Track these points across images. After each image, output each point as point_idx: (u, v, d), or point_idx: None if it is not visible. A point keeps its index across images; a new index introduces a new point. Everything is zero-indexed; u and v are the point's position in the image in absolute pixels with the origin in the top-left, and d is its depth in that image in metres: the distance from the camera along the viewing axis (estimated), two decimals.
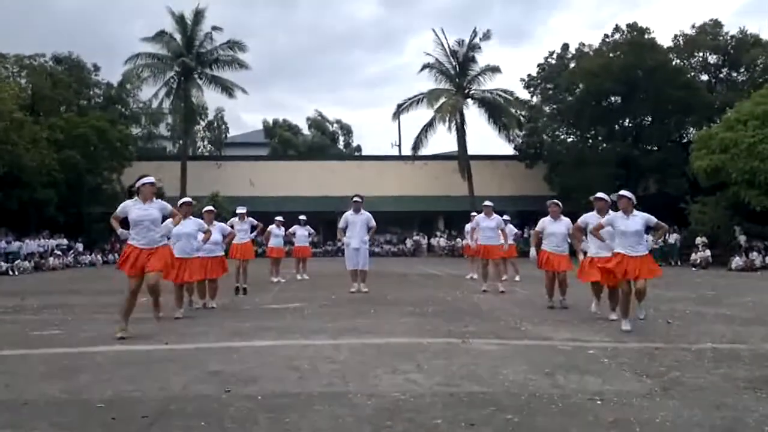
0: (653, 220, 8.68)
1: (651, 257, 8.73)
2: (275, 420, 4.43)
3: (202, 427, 4.27)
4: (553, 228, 11.07)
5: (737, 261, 25.18)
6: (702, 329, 8.51)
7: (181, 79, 40.11)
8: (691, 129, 35.40)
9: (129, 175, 37.37)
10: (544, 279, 11.31)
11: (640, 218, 8.57)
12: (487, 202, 14.32)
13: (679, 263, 28.86)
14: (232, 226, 13.25)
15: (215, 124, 55.93)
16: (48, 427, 4.29)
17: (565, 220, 11.09)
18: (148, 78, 39.79)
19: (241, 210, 14.82)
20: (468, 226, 17.45)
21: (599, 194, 10.07)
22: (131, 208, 8.27)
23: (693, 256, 27.72)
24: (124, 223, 8.39)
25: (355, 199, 14.00)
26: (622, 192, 8.77)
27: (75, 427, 4.29)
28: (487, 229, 13.87)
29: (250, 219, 14.99)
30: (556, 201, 11.43)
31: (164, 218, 8.59)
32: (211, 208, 12.24)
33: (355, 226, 13.84)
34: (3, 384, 5.51)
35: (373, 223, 14.00)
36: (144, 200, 8.32)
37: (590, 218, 9.75)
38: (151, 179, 8.54)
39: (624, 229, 8.51)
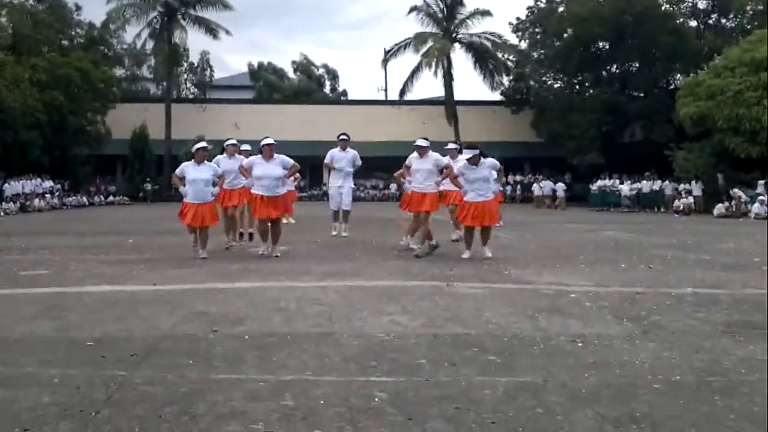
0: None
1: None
2: (262, 358, 4.50)
3: (190, 365, 4.34)
4: (417, 165, 10.68)
5: (720, 208, 25.38)
6: (683, 274, 8.63)
7: (164, 20, 39.35)
8: (679, 76, 35.32)
9: (112, 117, 36.97)
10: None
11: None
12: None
13: (662, 210, 29.03)
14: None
15: (200, 67, 55.05)
16: (38, 364, 4.33)
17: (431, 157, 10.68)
18: (131, 18, 39.03)
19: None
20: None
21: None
22: (256, 164, 9.98)
23: (676, 203, 27.93)
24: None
25: (341, 137, 13.36)
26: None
27: (64, 364, 4.33)
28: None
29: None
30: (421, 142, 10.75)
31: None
32: (234, 141, 11.49)
33: (340, 163, 13.32)
34: None
35: (360, 161, 13.49)
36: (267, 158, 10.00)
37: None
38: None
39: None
